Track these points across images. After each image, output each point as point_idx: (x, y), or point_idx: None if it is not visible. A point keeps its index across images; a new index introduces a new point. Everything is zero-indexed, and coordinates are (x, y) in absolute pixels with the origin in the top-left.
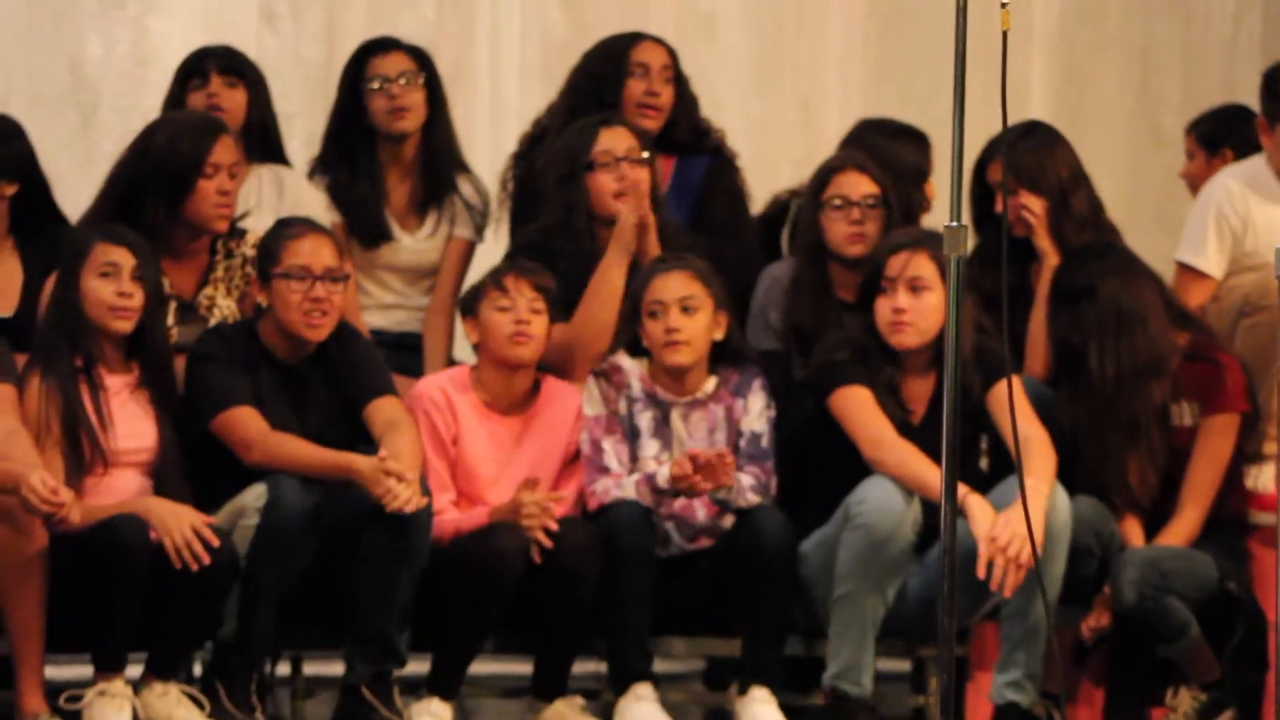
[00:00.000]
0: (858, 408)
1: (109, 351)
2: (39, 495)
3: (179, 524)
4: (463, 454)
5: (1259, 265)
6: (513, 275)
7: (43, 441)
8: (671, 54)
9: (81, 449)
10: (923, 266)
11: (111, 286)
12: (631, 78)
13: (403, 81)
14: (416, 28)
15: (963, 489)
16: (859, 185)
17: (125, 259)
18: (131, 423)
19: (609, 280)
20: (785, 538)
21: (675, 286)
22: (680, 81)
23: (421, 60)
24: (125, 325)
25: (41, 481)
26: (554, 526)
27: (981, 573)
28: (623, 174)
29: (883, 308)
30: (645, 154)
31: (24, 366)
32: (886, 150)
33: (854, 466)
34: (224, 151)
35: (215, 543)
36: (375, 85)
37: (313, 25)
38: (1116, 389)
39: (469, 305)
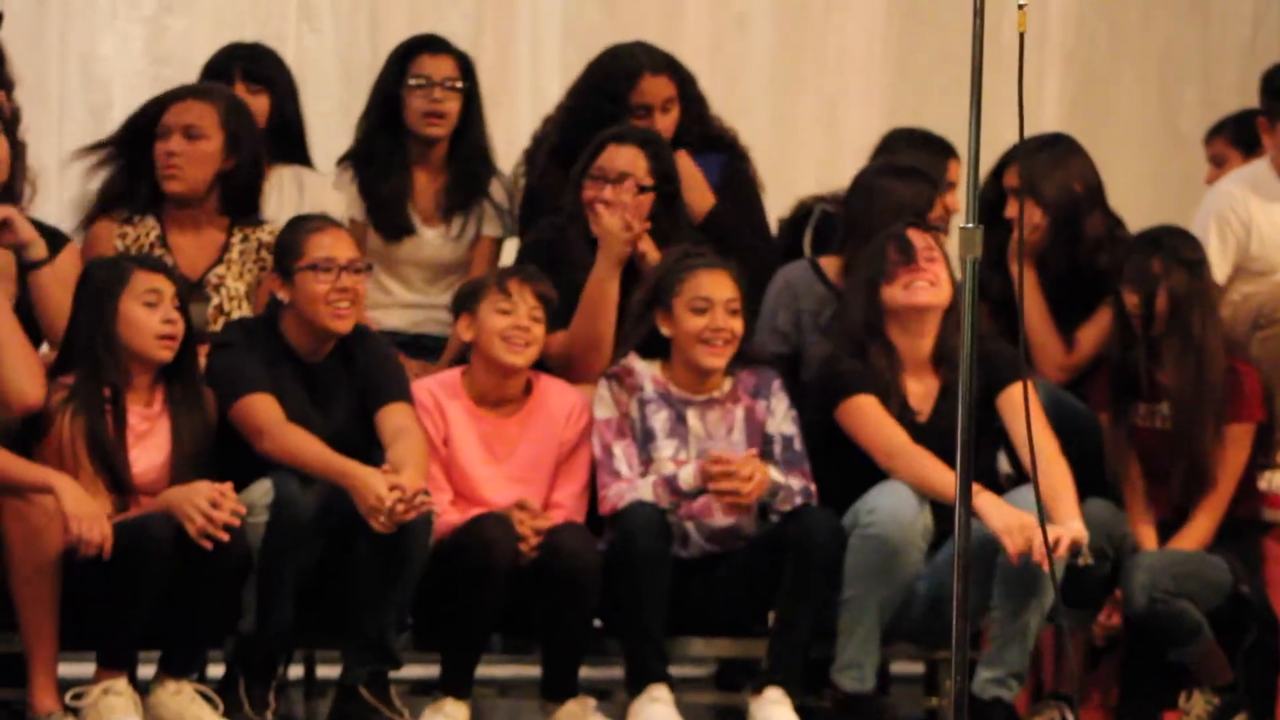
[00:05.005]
0: (868, 417)
1: (137, 379)
2: (93, 533)
3: (194, 500)
4: (454, 454)
5: (1266, 270)
6: (517, 280)
7: (74, 475)
8: (675, 76)
9: (110, 482)
10: (930, 239)
11: (158, 315)
12: (633, 117)
13: (443, 86)
14: (459, 26)
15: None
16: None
17: (166, 286)
18: (151, 454)
19: (603, 294)
20: (836, 538)
21: (724, 287)
22: (686, 85)
23: (465, 67)
24: (170, 355)
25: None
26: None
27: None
28: (609, 195)
29: (898, 279)
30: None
31: (52, 392)
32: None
33: (861, 472)
34: (179, 113)
35: (241, 510)
36: (415, 84)
37: (355, 24)
38: (1209, 362)
39: (466, 303)
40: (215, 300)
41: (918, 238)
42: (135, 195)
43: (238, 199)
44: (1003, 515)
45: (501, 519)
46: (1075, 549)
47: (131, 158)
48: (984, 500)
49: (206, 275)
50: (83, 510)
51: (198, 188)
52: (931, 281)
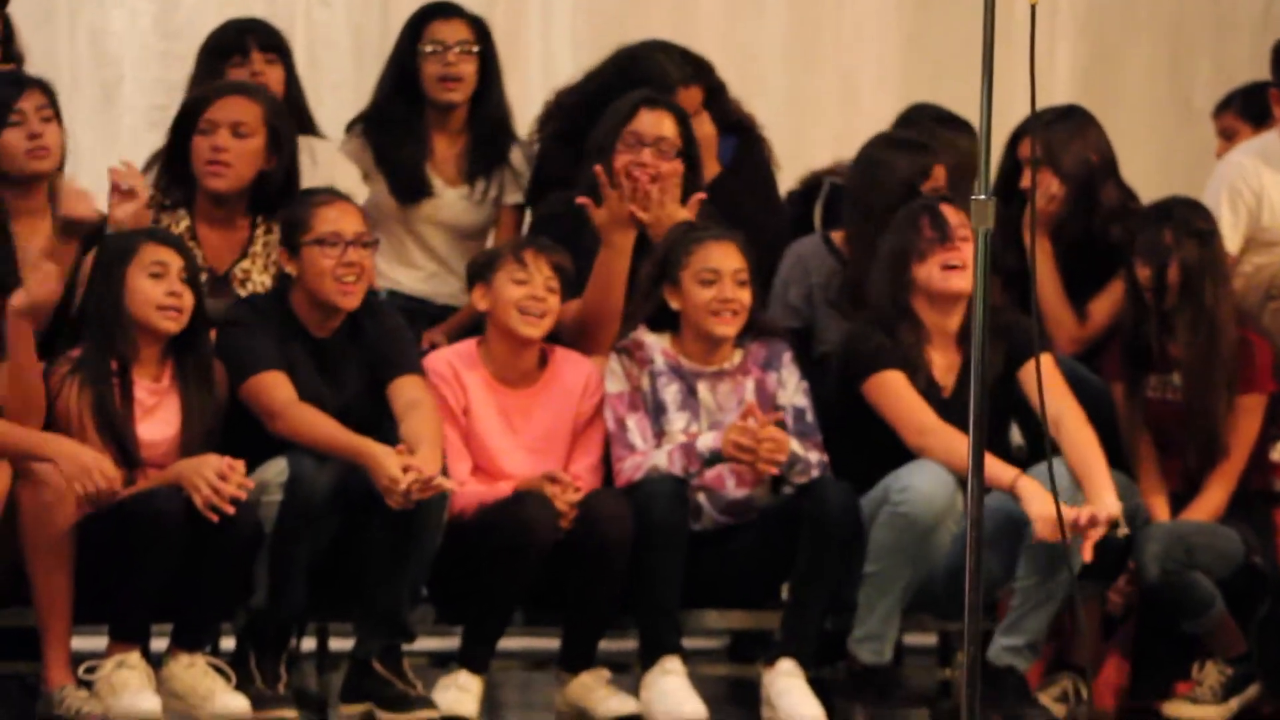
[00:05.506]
0: (896, 394)
1: (145, 352)
2: (95, 484)
3: (202, 471)
4: (473, 425)
5: (1278, 240)
6: (532, 251)
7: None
8: (702, 80)
9: (117, 454)
10: (964, 216)
11: (162, 286)
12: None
13: (458, 50)
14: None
15: (1013, 471)
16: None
17: (174, 259)
18: (160, 427)
19: (615, 270)
20: (851, 512)
21: (732, 258)
22: (708, 78)
23: (480, 31)
24: (174, 326)
25: (95, 462)
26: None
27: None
28: (644, 160)
29: (933, 257)
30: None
31: (59, 365)
32: (940, 138)
33: (879, 448)
34: (226, 109)
35: (249, 485)
36: (430, 50)
37: None
38: (1221, 332)
39: (481, 272)
40: (242, 295)
41: (952, 214)
42: (171, 188)
43: (272, 199)
44: (1041, 504)
45: (542, 498)
46: (1113, 524)
47: (169, 151)
48: (1026, 484)
49: (232, 270)
50: (77, 466)
51: (241, 185)
52: (964, 264)
